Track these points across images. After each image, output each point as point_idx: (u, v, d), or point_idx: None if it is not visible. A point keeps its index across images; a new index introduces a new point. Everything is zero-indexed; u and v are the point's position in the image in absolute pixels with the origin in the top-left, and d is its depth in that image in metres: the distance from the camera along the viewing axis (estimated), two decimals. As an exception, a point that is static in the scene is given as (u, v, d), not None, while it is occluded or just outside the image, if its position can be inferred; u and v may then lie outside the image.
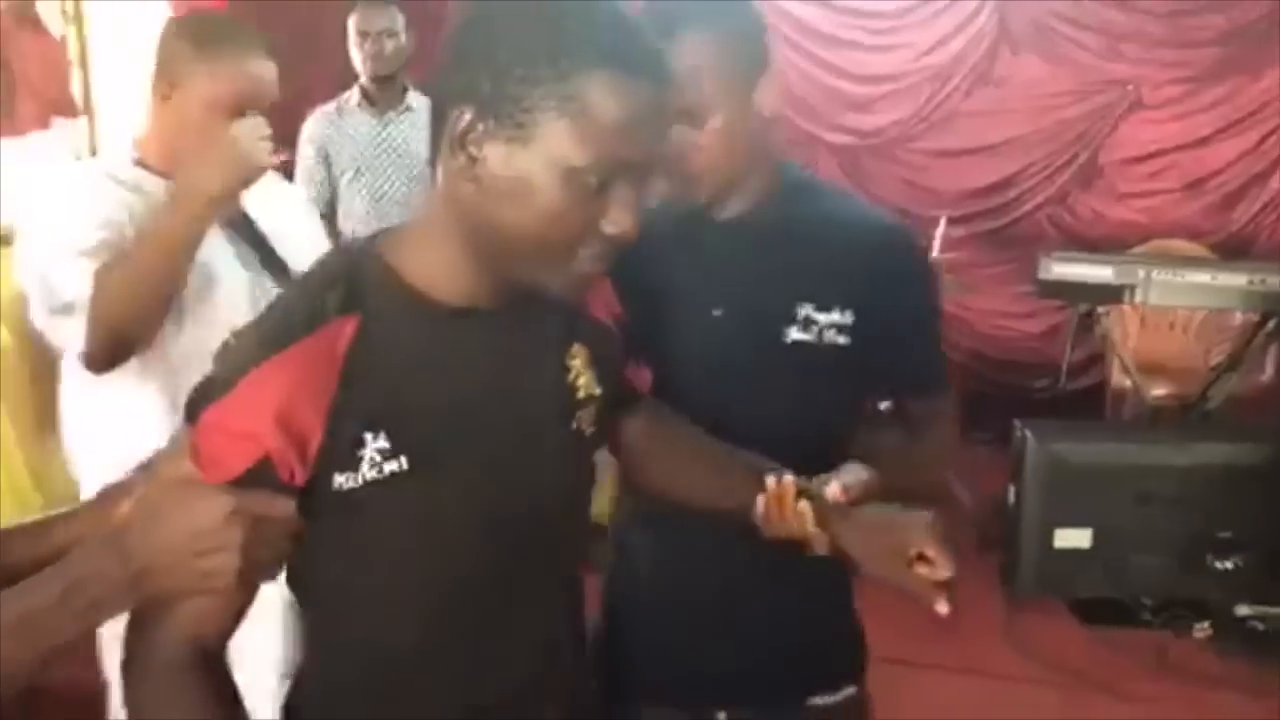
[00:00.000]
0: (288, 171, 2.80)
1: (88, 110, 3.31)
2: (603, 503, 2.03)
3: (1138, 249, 3.92)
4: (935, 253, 3.56)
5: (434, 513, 0.86)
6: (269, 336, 0.82)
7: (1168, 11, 4.06)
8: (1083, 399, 3.99)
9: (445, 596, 0.90)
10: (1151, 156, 4.25)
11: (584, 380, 0.96)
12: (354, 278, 0.85)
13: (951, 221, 3.83)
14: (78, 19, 3.28)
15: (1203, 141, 4.16)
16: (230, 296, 1.55)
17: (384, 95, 3.12)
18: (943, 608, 0.91)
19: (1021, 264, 3.89)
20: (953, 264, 3.64)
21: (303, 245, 1.61)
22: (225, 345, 0.86)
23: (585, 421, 0.97)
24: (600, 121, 0.77)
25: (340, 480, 0.82)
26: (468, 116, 0.78)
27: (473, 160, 0.79)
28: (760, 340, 1.19)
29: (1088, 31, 4.18)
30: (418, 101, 3.11)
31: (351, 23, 3.09)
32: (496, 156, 0.79)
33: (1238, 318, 3.48)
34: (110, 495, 0.91)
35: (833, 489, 0.98)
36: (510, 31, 0.78)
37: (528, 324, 0.92)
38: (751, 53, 1.15)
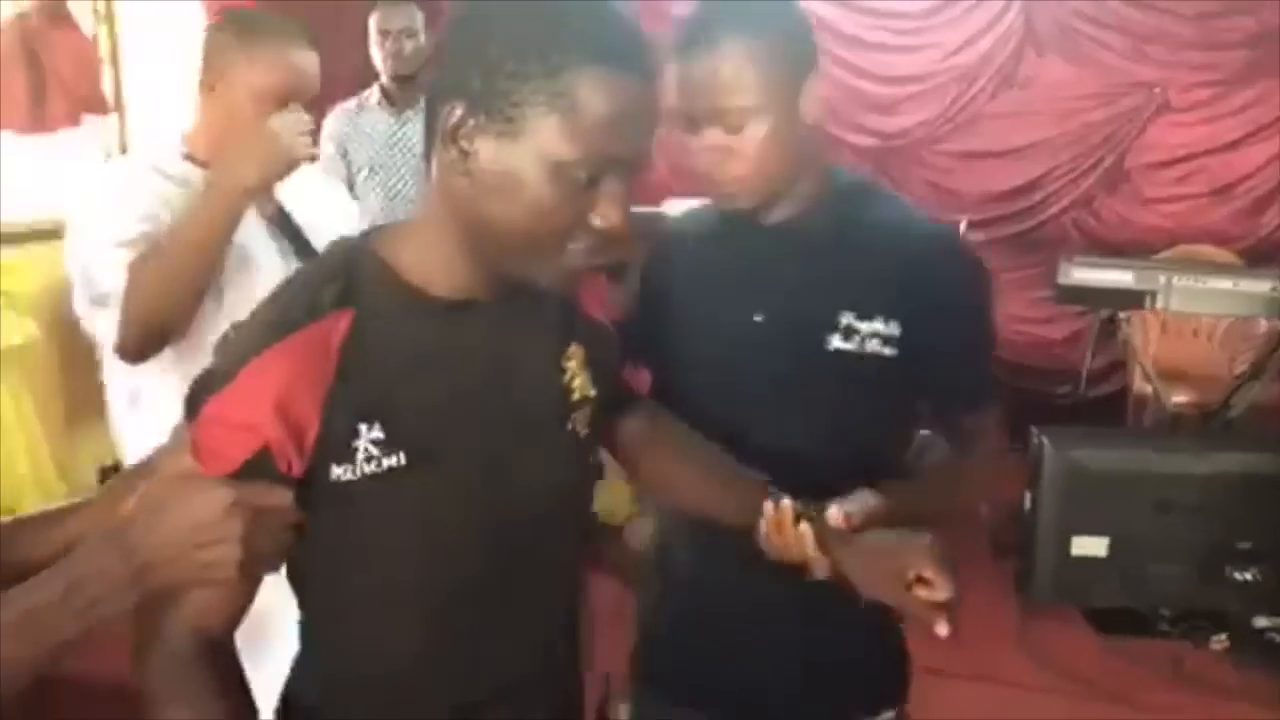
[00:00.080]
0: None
1: (118, 107, 3.36)
2: (612, 501, 2.03)
3: (1164, 254, 3.88)
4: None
5: (431, 509, 0.87)
6: (266, 330, 0.84)
7: (1195, 14, 4.02)
8: (1105, 406, 3.95)
9: (441, 593, 0.91)
10: (1179, 161, 4.20)
11: (579, 381, 0.97)
12: (350, 273, 0.87)
13: (974, 225, 3.81)
14: (109, 18, 3.33)
15: (1231, 146, 4.11)
16: (267, 281, 1.57)
17: (403, 94, 3.14)
18: (942, 629, 0.91)
19: (1044, 269, 3.86)
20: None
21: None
22: (224, 338, 0.89)
23: (580, 422, 0.97)
24: (589, 117, 0.78)
25: (338, 472, 0.83)
26: (459, 112, 0.80)
27: (464, 155, 0.81)
28: (801, 348, 1.17)
29: (1113, 33, 4.14)
30: (436, 102, 3.14)
31: (372, 22, 3.12)
32: (487, 151, 0.80)
33: (1263, 325, 3.43)
34: (116, 490, 0.93)
35: (834, 513, 0.97)
36: (501, 28, 0.79)
37: (523, 322, 0.93)
38: (797, 57, 1.13)
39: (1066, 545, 2.55)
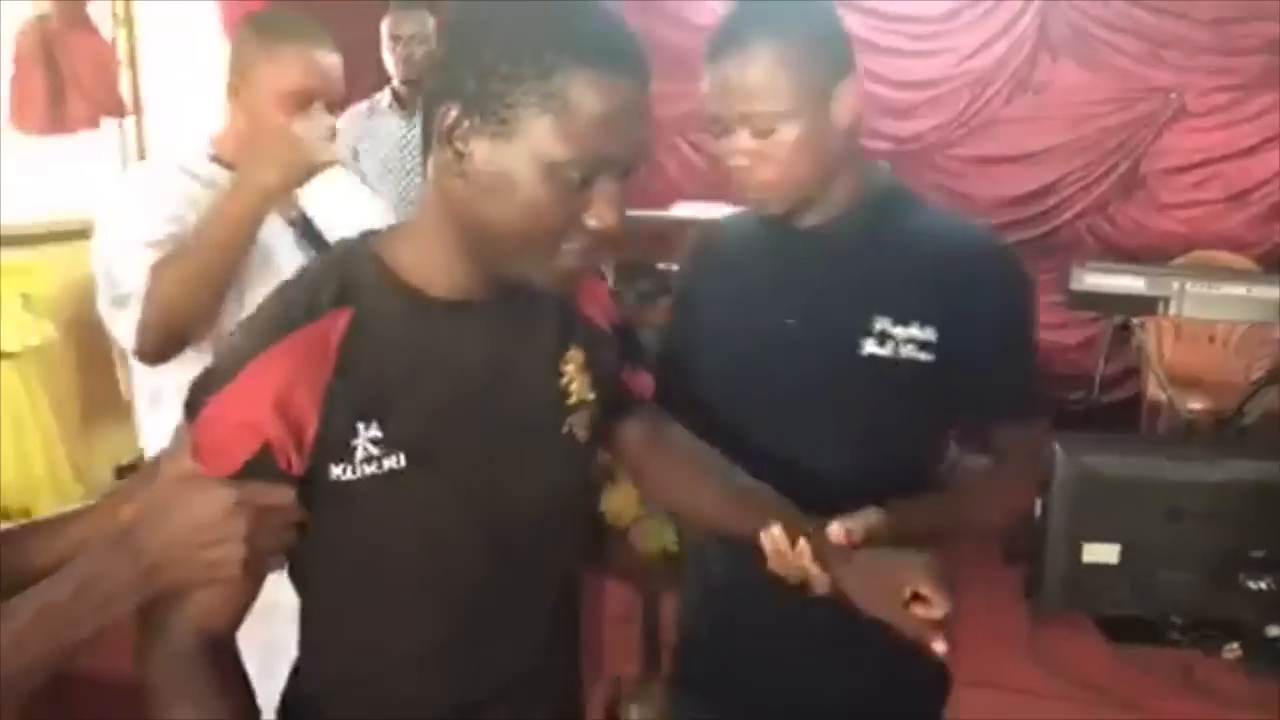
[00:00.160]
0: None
1: (136, 110, 3.40)
2: (620, 504, 2.04)
3: (1180, 260, 3.85)
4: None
5: (430, 509, 0.88)
6: (265, 330, 0.85)
7: (1212, 18, 3.99)
8: (1119, 412, 3.93)
9: (440, 593, 0.92)
10: (1195, 166, 4.18)
11: (577, 384, 0.98)
12: (348, 273, 0.88)
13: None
14: (128, 21, 3.37)
15: (1248, 151, 4.09)
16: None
17: (414, 98, 3.16)
18: (940, 647, 0.90)
19: (1058, 274, 3.82)
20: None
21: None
22: (224, 339, 0.89)
23: (578, 426, 0.98)
24: (581, 118, 0.79)
25: (336, 471, 0.84)
26: (454, 113, 0.81)
27: (459, 156, 0.82)
28: (834, 352, 1.15)
29: (1128, 37, 4.13)
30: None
31: (384, 26, 3.15)
32: (482, 152, 0.81)
33: (1279, 331, 3.41)
34: (118, 496, 0.95)
35: (834, 529, 0.96)
36: (495, 31, 0.81)
37: (521, 324, 0.94)
38: (829, 61, 1.11)
39: (1077, 552, 2.53)
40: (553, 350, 0.98)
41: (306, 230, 1.64)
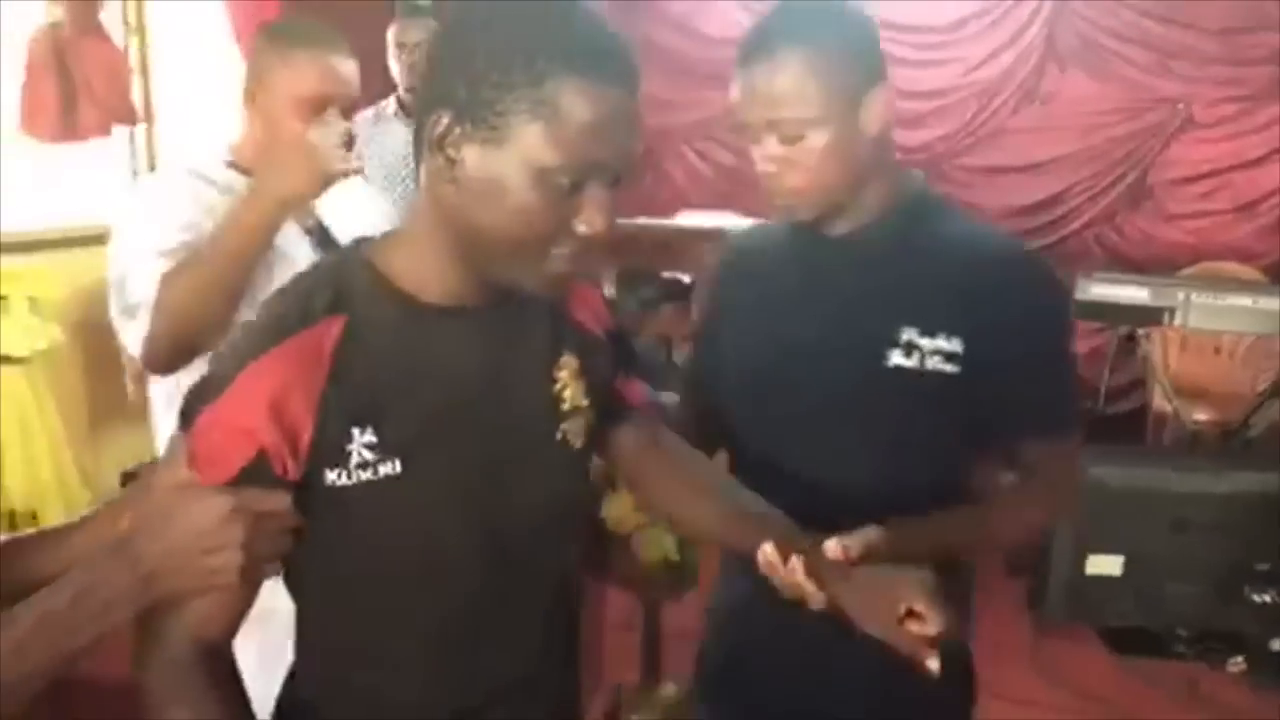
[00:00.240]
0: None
1: (148, 118, 3.42)
2: (621, 510, 2.04)
3: (1187, 271, 3.85)
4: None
5: (424, 515, 0.89)
6: (259, 337, 0.86)
7: (1220, 29, 3.99)
8: (1125, 423, 3.92)
9: (437, 598, 0.92)
10: (1203, 177, 4.17)
11: (570, 391, 0.98)
12: (342, 280, 0.89)
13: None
14: (140, 29, 3.40)
15: (1256, 162, 4.09)
16: None
17: None
18: (933, 664, 0.90)
19: (1066, 285, 3.84)
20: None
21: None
22: (218, 350, 0.90)
23: (572, 432, 0.98)
24: (572, 125, 0.80)
25: (332, 477, 0.85)
26: (445, 120, 0.82)
27: (451, 162, 0.83)
28: (860, 362, 1.14)
29: (1136, 48, 4.13)
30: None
31: (390, 34, 3.16)
32: (473, 158, 0.82)
33: (1286, 343, 3.40)
34: (116, 507, 0.96)
35: (831, 545, 0.95)
36: (485, 38, 0.81)
37: (514, 330, 0.95)
38: (859, 68, 1.11)
39: (1081, 563, 2.53)
40: (546, 356, 0.98)
41: (323, 238, 1.63)
